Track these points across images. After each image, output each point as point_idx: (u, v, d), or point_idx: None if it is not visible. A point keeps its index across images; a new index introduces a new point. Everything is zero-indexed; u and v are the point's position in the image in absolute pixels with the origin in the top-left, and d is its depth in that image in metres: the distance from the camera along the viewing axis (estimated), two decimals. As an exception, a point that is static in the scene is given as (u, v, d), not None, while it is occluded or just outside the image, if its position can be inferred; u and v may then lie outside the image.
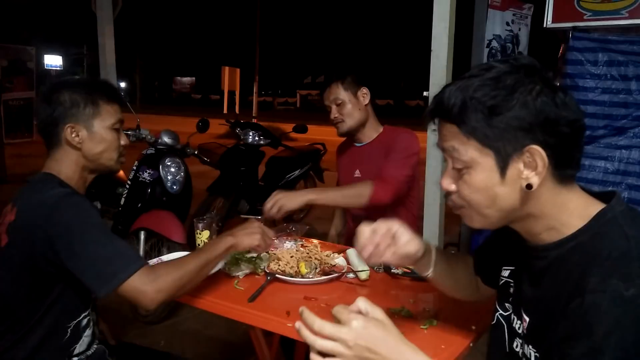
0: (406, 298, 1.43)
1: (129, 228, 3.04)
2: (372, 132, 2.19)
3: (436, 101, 0.86)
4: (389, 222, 1.03)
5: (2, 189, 6.57)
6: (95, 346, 1.46)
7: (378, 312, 0.79)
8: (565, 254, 0.83)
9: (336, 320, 0.77)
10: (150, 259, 1.57)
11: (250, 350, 1.85)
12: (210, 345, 2.91)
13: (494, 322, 1.02)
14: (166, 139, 3.31)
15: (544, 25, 3.05)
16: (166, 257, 1.63)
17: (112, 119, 1.41)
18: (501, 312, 1.01)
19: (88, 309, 1.41)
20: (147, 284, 1.19)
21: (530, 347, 0.89)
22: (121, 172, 3.42)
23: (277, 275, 1.55)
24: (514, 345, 0.95)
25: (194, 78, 63.88)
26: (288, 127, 7.75)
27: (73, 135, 1.35)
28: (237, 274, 1.56)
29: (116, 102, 1.43)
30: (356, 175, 2.20)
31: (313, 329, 0.76)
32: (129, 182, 3.25)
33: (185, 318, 3.18)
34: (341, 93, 2.11)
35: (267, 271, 1.58)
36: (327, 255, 1.70)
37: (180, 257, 1.36)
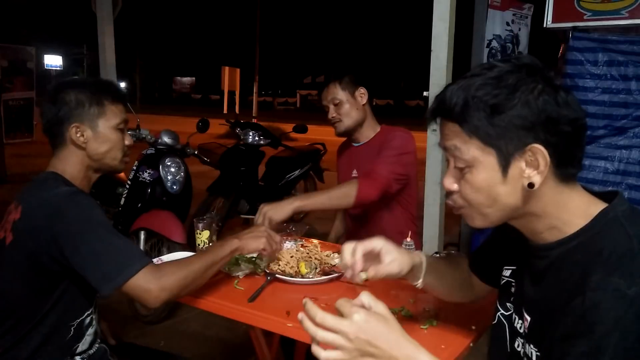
0: (406, 298, 1.42)
1: (129, 228, 3.04)
2: (369, 131, 2.19)
3: (438, 100, 0.86)
4: (374, 241, 1.01)
5: (2, 189, 6.57)
6: (97, 345, 1.46)
7: (381, 307, 0.79)
8: (567, 253, 0.83)
9: (339, 314, 0.77)
10: (150, 259, 1.57)
11: (250, 350, 1.85)
12: (210, 345, 2.90)
13: (495, 321, 1.02)
14: (166, 139, 3.31)
15: (544, 25, 3.05)
16: (166, 257, 1.63)
17: (117, 119, 1.42)
18: (502, 311, 1.00)
19: (91, 307, 1.41)
20: (152, 282, 1.19)
21: (531, 346, 0.89)
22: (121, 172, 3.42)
23: (277, 275, 1.55)
24: (516, 344, 0.95)
25: (194, 78, 63.92)
26: (288, 127, 7.76)
27: (78, 135, 1.36)
28: (237, 274, 1.55)
29: (121, 103, 1.44)
30: (354, 175, 2.20)
31: (315, 321, 0.76)
32: (129, 182, 3.25)
33: (185, 318, 3.18)
34: (339, 93, 2.12)
35: (267, 271, 1.58)
36: (327, 255, 1.70)
37: (185, 258, 1.37)
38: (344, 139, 2.31)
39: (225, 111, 14.43)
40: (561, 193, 0.83)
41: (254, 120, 11.83)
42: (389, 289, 1.53)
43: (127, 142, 1.46)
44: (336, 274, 1.57)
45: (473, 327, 1.25)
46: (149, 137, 3.31)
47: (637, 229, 0.78)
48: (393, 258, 1.01)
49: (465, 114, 0.81)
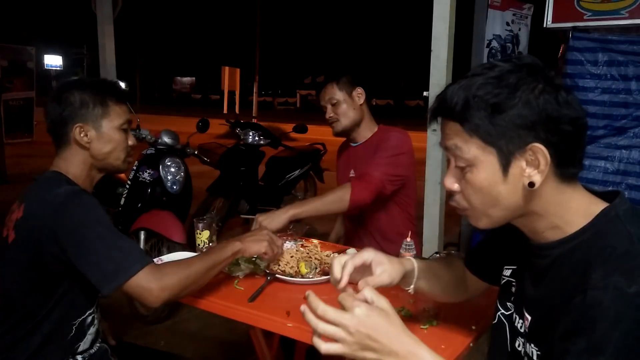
0: (406, 298, 1.42)
1: (129, 228, 3.04)
2: (367, 131, 2.20)
3: (439, 100, 0.86)
4: (364, 254, 1.00)
5: (2, 189, 6.56)
6: (98, 345, 1.46)
7: (383, 302, 0.79)
8: (568, 252, 0.83)
9: (342, 307, 0.78)
10: (151, 259, 1.57)
11: (250, 350, 1.85)
12: (210, 345, 2.90)
13: (495, 321, 1.02)
14: (166, 139, 3.31)
15: (544, 25, 3.05)
16: (166, 257, 1.63)
17: (121, 119, 1.42)
18: (503, 311, 1.01)
19: (93, 306, 1.42)
20: (153, 282, 1.19)
21: (532, 345, 0.89)
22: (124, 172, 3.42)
23: (277, 275, 1.55)
24: (516, 344, 0.95)
25: (194, 78, 63.91)
26: (288, 127, 7.76)
27: (82, 135, 1.37)
28: (237, 274, 1.55)
29: (125, 103, 1.45)
30: (351, 175, 2.21)
31: (317, 313, 0.77)
32: (129, 182, 3.25)
33: (185, 318, 3.18)
34: (336, 93, 2.13)
35: (267, 271, 1.58)
36: (327, 255, 1.70)
37: (186, 258, 1.37)
38: (344, 139, 2.32)
39: (225, 111, 14.44)
40: (562, 192, 0.83)
41: (254, 120, 11.83)
42: (389, 288, 1.53)
43: (130, 143, 1.47)
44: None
45: (473, 327, 1.25)
46: (149, 137, 3.31)
47: (638, 228, 0.78)
48: (384, 269, 1.00)
49: (466, 113, 0.81)
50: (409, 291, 1.10)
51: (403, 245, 1.61)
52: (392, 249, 1.98)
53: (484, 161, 0.82)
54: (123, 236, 1.26)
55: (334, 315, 0.76)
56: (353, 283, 0.97)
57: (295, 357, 1.93)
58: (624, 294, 0.71)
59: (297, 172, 4.87)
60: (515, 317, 0.96)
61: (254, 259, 1.61)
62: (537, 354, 0.87)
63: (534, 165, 0.80)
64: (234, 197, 4.21)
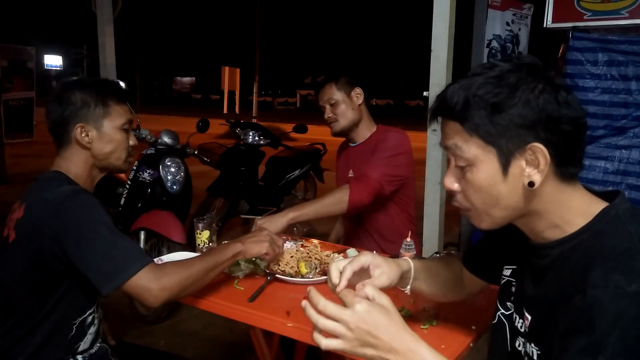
0: (406, 298, 1.42)
1: (129, 228, 3.04)
2: (365, 131, 2.20)
3: (439, 99, 0.86)
4: (361, 258, 0.99)
5: (2, 189, 6.57)
6: (98, 345, 1.46)
7: (384, 299, 0.79)
8: (568, 251, 0.83)
9: (343, 304, 0.78)
10: (152, 259, 1.57)
11: (250, 350, 1.85)
12: (210, 345, 2.90)
13: (495, 321, 1.02)
14: (166, 139, 3.32)
15: (544, 25, 3.05)
16: (166, 257, 1.63)
17: (122, 119, 1.43)
18: (503, 311, 1.01)
19: (93, 306, 1.42)
20: (153, 282, 1.19)
21: (532, 345, 0.89)
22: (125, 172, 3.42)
23: (277, 275, 1.55)
24: (516, 344, 0.95)
25: (194, 78, 63.96)
26: (288, 127, 7.76)
27: (83, 135, 1.37)
28: (237, 274, 1.55)
29: (125, 103, 1.45)
30: (350, 175, 2.21)
31: (317, 308, 0.77)
32: (129, 182, 3.25)
33: (185, 318, 3.18)
34: (335, 93, 2.13)
35: (267, 271, 1.58)
36: (327, 255, 1.70)
37: (187, 259, 1.37)
38: (343, 139, 2.32)
39: (225, 111, 14.44)
40: (562, 192, 0.83)
41: (254, 120, 11.84)
42: (388, 289, 1.53)
43: (131, 143, 1.47)
44: (336, 274, 1.57)
45: (473, 327, 1.25)
46: (149, 137, 3.31)
47: (638, 228, 0.78)
48: (382, 271, 1.00)
49: (466, 113, 0.81)
50: (406, 292, 1.10)
51: (403, 245, 1.61)
52: (391, 249, 1.99)
53: (484, 160, 0.82)
54: (123, 236, 1.26)
55: (335, 311, 0.76)
56: (351, 286, 0.97)
57: (295, 357, 1.93)
58: (624, 293, 0.71)
59: (297, 172, 4.87)
60: (515, 317, 0.96)
61: (254, 259, 1.62)
62: (537, 354, 0.87)
63: (533, 165, 0.80)
64: (234, 197, 4.21)
